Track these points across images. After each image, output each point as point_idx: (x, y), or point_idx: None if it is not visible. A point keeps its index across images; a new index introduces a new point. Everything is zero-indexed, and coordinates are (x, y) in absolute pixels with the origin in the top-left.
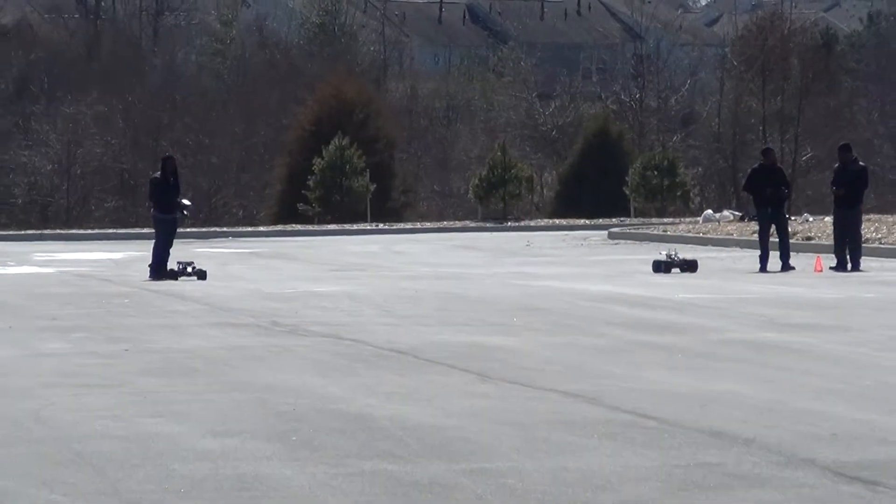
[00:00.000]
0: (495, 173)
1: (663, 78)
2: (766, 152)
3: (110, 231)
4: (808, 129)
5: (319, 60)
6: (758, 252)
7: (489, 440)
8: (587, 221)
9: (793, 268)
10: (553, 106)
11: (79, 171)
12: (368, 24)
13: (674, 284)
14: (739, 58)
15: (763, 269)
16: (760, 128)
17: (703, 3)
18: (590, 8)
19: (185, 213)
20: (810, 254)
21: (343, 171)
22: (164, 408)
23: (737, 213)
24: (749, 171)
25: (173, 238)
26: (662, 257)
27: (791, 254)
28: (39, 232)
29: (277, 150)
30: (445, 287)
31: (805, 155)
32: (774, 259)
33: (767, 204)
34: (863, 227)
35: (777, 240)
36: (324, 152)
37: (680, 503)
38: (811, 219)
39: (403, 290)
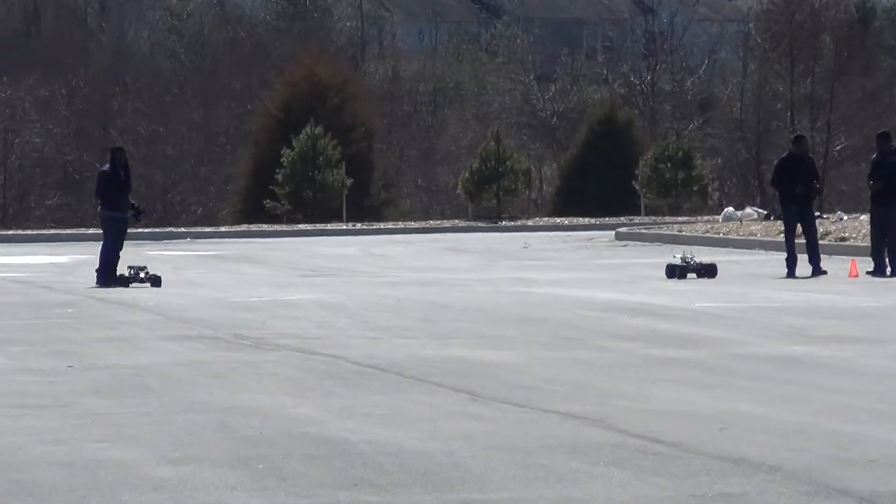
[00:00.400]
0: (488, 166)
1: (678, 58)
2: (798, 140)
3: (52, 232)
4: (841, 116)
5: (289, 38)
6: (784, 255)
7: (481, 467)
8: (592, 220)
9: (825, 272)
10: (553, 89)
11: (17, 164)
12: None
13: (689, 291)
14: (764, 35)
15: (791, 273)
16: (788, 114)
17: None
18: None
19: (138, 217)
20: (844, 257)
21: (315, 164)
22: (114, 431)
23: (761, 210)
24: (776, 162)
25: (124, 239)
26: (677, 261)
27: (822, 256)
28: None
29: (241, 139)
30: (431, 295)
31: (838, 144)
32: (803, 262)
33: (794, 201)
34: None
35: (805, 241)
36: (294, 142)
37: None
38: (845, 217)
39: (384, 299)
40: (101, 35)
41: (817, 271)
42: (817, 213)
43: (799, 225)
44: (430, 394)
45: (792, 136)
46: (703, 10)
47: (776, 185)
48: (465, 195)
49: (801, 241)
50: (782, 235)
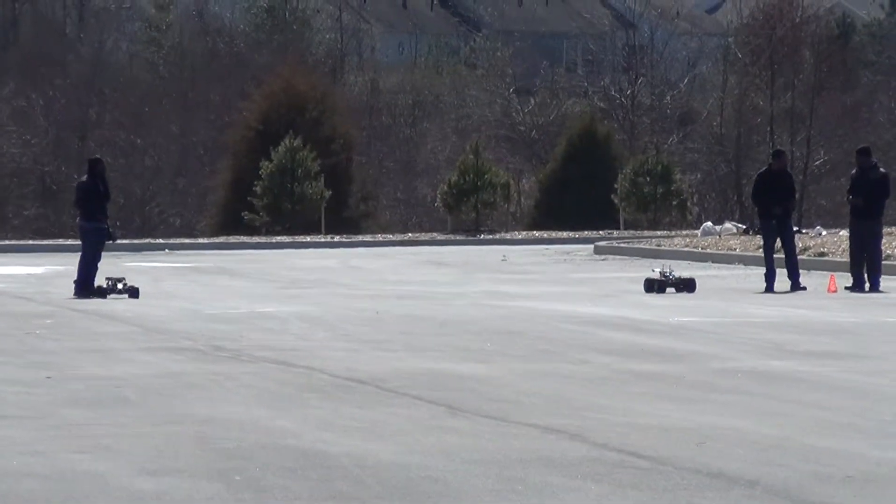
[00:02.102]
0: (467, 179)
1: (658, 71)
2: (778, 154)
3: (30, 242)
4: (821, 131)
5: (268, 50)
6: (763, 270)
7: (459, 481)
8: (571, 234)
9: (804, 288)
10: (533, 103)
11: None
12: (324, 8)
13: (668, 306)
14: (744, 49)
15: (770, 288)
16: (768, 128)
17: None
18: None
19: (112, 239)
20: (823, 272)
21: (294, 176)
22: (91, 442)
23: (740, 225)
24: (755, 177)
25: (102, 251)
26: (655, 275)
27: (801, 271)
28: None
29: (220, 151)
30: (410, 308)
31: (818, 159)
32: (783, 277)
33: (772, 216)
34: (883, 241)
35: (784, 256)
36: (272, 154)
37: None
38: (825, 232)
39: (362, 311)
40: (80, 45)
41: (796, 286)
42: (796, 229)
43: (778, 240)
44: (409, 407)
45: (771, 151)
46: (684, 25)
47: (754, 200)
48: (443, 208)
49: (780, 255)
50: (761, 250)
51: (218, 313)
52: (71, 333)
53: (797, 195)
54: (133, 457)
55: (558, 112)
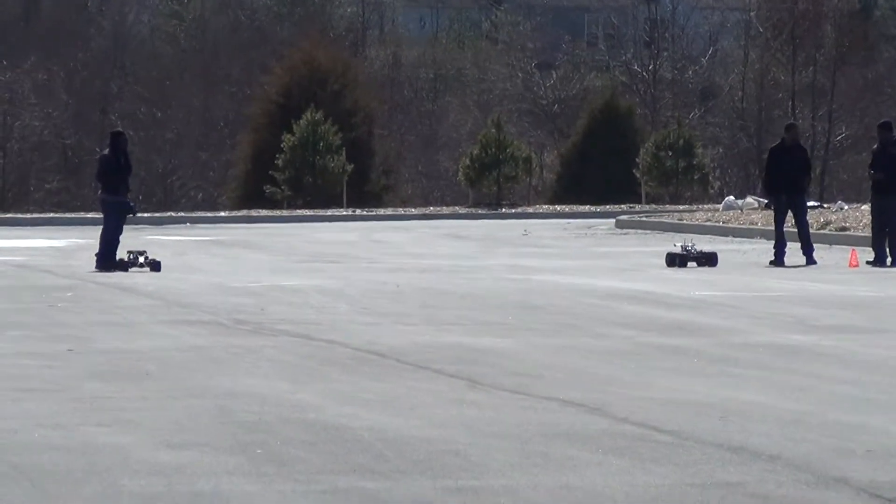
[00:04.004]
0: (488, 153)
1: (680, 46)
2: (789, 128)
3: (52, 215)
4: (842, 105)
5: (289, 24)
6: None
7: (480, 454)
8: (592, 208)
9: (815, 262)
10: (554, 77)
11: (16, 148)
12: None
13: (690, 280)
14: (766, 24)
15: (779, 260)
16: (789, 103)
17: None
18: None
19: (132, 213)
20: (845, 246)
21: (316, 149)
22: (112, 416)
23: (762, 199)
24: (769, 150)
25: (123, 224)
26: (677, 249)
27: (817, 245)
28: None
29: (241, 125)
30: (431, 281)
31: (839, 134)
32: (796, 252)
33: (782, 189)
34: None
35: (797, 231)
36: (294, 128)
37: None
38: (846, 207)
39: (383, 285)
40: (101, 18)
41: (811, 261)
42: (818, 203)
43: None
44: (430, 380)
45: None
46: None
47: (766, 175)
48: (465, 182)
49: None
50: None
51: (239, 287)
52: (92, 306)
53: (816, 169)
54: (154, 430)
55: (580, 86)
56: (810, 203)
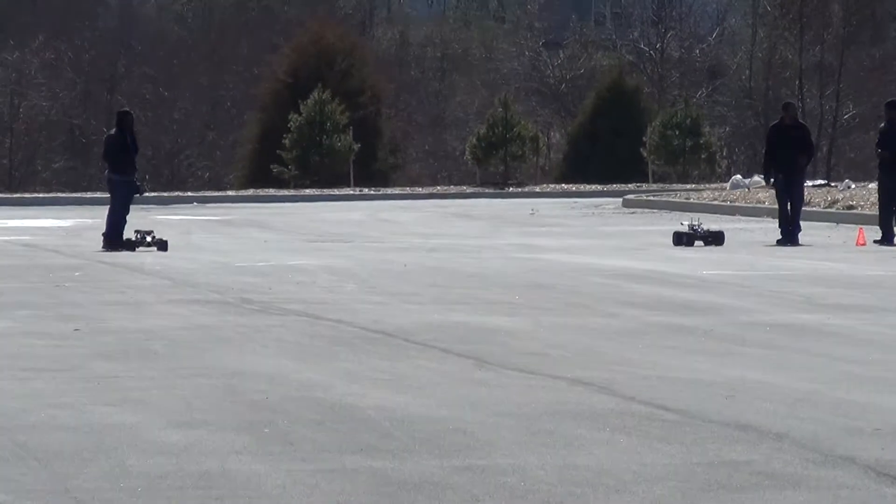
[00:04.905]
0: (495, 132)
1: (687, 25)
2: (785, 107)
3: (59, 195)
4: (850, 84)
5: (297, 3)
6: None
7: (487, 433)
8: (599, 187)
9: (799, 243)
10: (562, 56)
11: (23, 127)
12: None
13: (697, 259)
14: (773, 2)
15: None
16: (797, 82)
17: None
18: None
19: (139, 193)
20: (852, 225)
21: (323, 129)
22: (120, 395)
23: None
24: (769, 129)
25: (131, 203)
26: (684, 228)
27: (824, 224)
28: None
29: (248, 104)
30: (438, 261)
31: (847, 113)
32: (806, 230)
33: (780, 169)
34: None
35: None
36: (301, 107)
37: None
38: (853, 185)
39: (391, 264)
40: None
41: (794, 240)
42: (825, 181)
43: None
44: (438, 360)
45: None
46: None
47: (766, 153)
48: (472, 161)
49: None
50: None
51: (246, 266)
52: (99, 286)
53: (823, 148)
54: (162, 409)
55: (587, 65)
56: (818, 182)
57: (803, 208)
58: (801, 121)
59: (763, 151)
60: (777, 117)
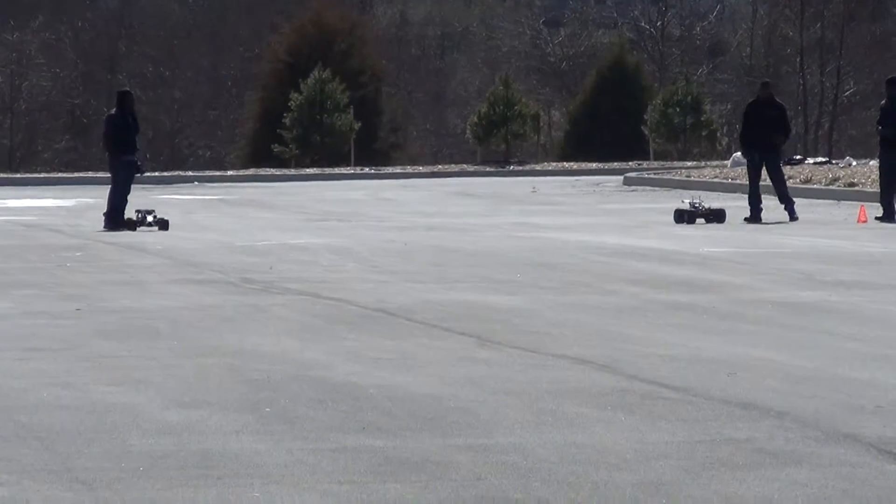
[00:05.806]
0: (496, 110)
1: (688, 2)
2: (764, 85)
3: (60, 175)
4: (851, 61)
5: None
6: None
7: (489, 412)
8: (600, 165)
9: (797, 217)
10: (562, 34)
11: (24, 107)
12: None
13: (698, 237)
14: None
15: (754, 216)
16: (797, 59)
17: None
18: None
19: (140, 172)
20: (853, 202)
21: (324, 108)
22: (122, 375)
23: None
24: (744, 107)
25: (132, 183)
26: (685, 206)
27: (826, 201)
28: None
29: (249, 84)
30: (440, 239)
31: (848, 90)
32: (776, 208)
33: (755, 147)
34: None
35: (775, 191)
36: (302, 86)
37: (704, 483)
38: (854, 163)
39: (392, 243)
40: None
41: (792, 216)
42: (826, 159)
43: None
44: (439, 338)
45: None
46: None
47: (741, 131)
48: (473, 139)
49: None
50: (790, 181)
51: (248, 245)
52: (101, 266)
53: (825, 125)
54: (163, 389)
55: (588, 43)
56: (819, 159)
57: (804, 186)
58: (777, 100)
59: (738, 128)
60: (781, 95)
